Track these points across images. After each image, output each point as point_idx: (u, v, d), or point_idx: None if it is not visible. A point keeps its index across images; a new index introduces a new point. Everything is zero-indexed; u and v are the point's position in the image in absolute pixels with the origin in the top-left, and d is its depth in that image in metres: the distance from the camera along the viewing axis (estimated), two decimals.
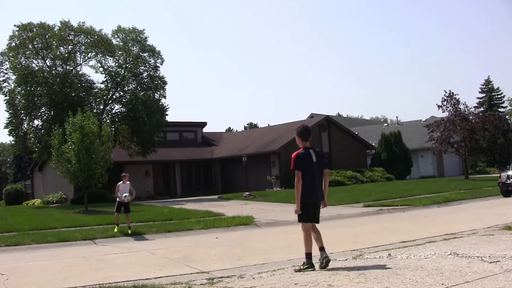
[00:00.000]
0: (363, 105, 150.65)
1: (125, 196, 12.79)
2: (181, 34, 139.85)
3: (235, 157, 34.33)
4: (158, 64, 31.59)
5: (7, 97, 28.27)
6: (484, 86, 57.93)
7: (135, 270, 7.50)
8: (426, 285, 5.22)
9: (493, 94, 57.53)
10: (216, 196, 28.91)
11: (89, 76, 30.69)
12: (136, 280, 6.59)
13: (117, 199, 13.08)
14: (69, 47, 29.68)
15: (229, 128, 78.08)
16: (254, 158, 32.82)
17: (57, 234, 12.23)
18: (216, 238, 11.12)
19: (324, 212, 7.15)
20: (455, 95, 31.72)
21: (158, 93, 31.55)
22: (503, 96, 58.05)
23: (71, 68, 30.05)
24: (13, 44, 28.49)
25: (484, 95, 57.57)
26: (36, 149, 29.46)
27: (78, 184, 21.83)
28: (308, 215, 6.59)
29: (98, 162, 19.80)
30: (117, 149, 30.47)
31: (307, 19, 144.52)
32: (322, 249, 6.50)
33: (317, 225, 6.77)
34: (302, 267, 6.49)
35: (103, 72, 31.13)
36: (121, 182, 13.14)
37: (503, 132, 33.18)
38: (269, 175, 33.21)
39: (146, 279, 6.71)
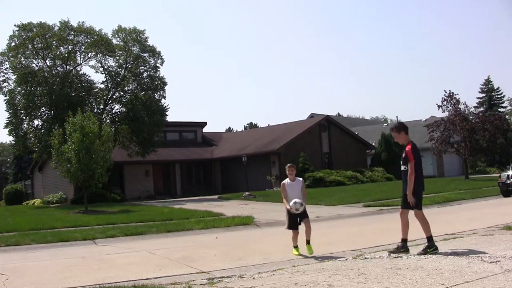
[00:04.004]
0: (363, 105, 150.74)
1: (295, 203, 7.85)
2: (181, 34, 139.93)
3: (235, 157, 34.32)
4: (158, 65, 31.64)
5: (7, 97, 28.27)
6: (484, 86, 57.90)
7: (135, 270, 7.50)
8: (426, 285, 5.23)
9: (493, 94, 57.49)
10: (216, 196, 28.90)
11: (89, 76, 30.77)
12: (136, 280, 6.60)
13: (286, 207, 8.09)
14: (69, 47, 29.68)
15: (229, 128, 78.11)
16: (254, 158, 32.83)
17: (57, 234, 12.22)
18: (216, 238, 11.12)
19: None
20: (455, 95, 31.71)
21: (158, 93, 31.57)
22: (503, 96, 58.07)
23: (71, 68, 30.04)
24: (13, 44, 28.52)
25: (484, 95, 57.54)
26: (36, 149, 29.45)
27: (78, 184, 21.84)
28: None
29: (98, 162, 19.80)
30: (117, 149, 30.46)
31: (307, 19, 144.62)
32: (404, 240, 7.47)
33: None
34: (428, 250, 7.12)
35: (103, 72, 31.17)
36: (286, 179, 8.35)
37: (503, 132, 33.15)
38: (269, 175, 33.21)
39: (146, 279, 6.71)
